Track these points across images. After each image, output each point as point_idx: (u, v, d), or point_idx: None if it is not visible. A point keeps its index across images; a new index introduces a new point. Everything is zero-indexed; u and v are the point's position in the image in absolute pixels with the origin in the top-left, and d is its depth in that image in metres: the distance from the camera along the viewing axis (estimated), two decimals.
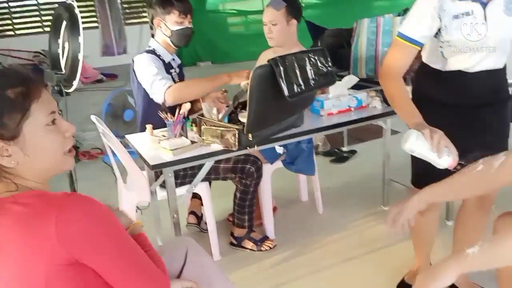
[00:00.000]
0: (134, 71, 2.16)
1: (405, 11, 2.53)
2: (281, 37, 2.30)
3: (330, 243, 2.38)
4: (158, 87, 2.07)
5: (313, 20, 4.99)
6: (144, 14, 8.03)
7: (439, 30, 1.55)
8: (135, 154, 1.99)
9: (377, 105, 2.10)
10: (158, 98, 2.08)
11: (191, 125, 2.04)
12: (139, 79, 2.14)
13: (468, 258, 1.05)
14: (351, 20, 2.82)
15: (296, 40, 2.38)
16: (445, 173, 1.67)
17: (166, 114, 1.91)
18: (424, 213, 1.72)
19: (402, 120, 1.54)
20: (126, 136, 2.12)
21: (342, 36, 3.08)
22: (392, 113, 2.10)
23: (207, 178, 2.17)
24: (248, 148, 1.86)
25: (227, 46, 8.15)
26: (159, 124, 2.00)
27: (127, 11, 8.37)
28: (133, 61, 2.17)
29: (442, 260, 1.09)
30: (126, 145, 2.13)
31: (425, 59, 1.69)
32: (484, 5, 1.50)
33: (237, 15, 8.88)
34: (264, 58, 2.31)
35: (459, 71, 1.60)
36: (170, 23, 2.15)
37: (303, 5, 9.01)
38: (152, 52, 2.18)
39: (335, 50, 3.06)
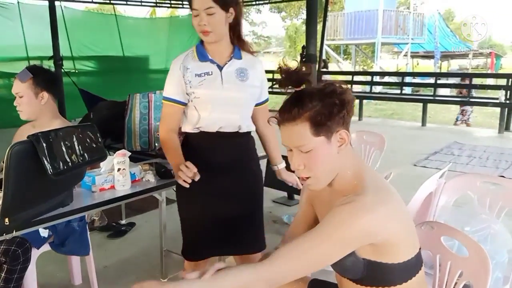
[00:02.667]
0: None
1: None
2: (31, 110, 2.13)
3: None
4: None
5: (88, 88, 4.91)
6: None
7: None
8: None
9: (150, 179, 2.14)
10: None
11: None
12: None
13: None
14: (128, 91, 2.84)
15: (56, 113, 2.22)
16: (210, 247, 1.78)
17: None
18: None
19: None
20: None
21: (116, 108, 3.09)
22: (165, 185, 2.17)
23: None
24: (4, 234, 1.62)
25: None
26: None
27: None
28: None
29: None
30: None
31: None
32: (221, 68, 1.73)
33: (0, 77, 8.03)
34: (22, 133, 2.13)
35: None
36: None
37: (75, 71, 8.76)
38: None
39: (110, 122, 3.05)
